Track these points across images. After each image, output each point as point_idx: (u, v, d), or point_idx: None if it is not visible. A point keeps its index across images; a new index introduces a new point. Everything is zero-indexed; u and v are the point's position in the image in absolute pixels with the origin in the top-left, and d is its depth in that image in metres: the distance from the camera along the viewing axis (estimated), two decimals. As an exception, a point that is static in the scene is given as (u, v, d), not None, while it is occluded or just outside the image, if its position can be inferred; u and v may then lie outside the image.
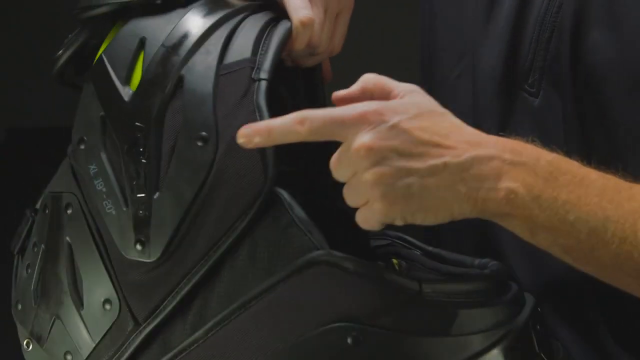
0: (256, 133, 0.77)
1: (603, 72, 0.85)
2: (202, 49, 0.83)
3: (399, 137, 0.74)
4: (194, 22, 0.84)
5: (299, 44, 0.87)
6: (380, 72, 0.80)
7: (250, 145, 0.77)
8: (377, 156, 0.74)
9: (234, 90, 0.81)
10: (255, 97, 0.81)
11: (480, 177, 0.75)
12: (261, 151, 0.79)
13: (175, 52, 0.82)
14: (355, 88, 0.80)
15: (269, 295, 0.78)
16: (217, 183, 0.79)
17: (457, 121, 0.78)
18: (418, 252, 0.92)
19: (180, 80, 0.82)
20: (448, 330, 0.77)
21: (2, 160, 3.62)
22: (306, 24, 0.86)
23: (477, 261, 0.87)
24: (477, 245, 0.84)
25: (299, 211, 0.79)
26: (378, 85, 0.79)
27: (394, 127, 0.74)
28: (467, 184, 0.74)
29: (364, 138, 0.74)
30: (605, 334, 0.89)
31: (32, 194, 0.95)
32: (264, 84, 0.81)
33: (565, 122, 0.88)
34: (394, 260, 0.93)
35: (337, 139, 0.76)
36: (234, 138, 0.78)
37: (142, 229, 0.81)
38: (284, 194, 0.79)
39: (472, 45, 0.95)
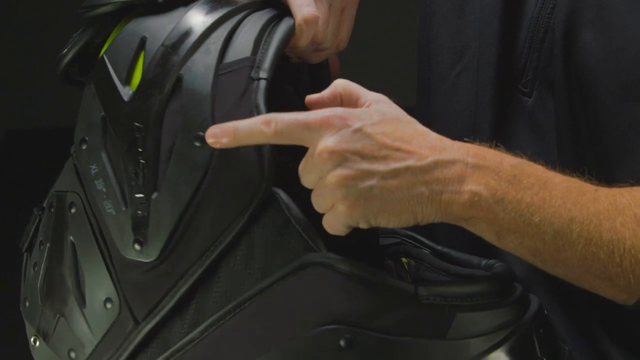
0: (224, 133, 0.77)
1: (593, 74, 0.85)
2: (202, 48, 0.82)
3: (362, 140, 0.75)
4: (195, 21, 0.84)
5: (303, 41, 0.86)
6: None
7: (218, 146, 0.78)
8: (339, 159, 0.75)
9: (233, 89, 0.81)
10: (254, 96, 0.80)
11: (443, 180, 0.75)
12: (258, 151, 0.78)
13: (175, 51, 0.82)
14: (326, 93, 0.81)
15: (264, 296, 0.78)
16: (214, 184, 0.79)
17: (422, 128, 0.78)
18: (427, 251, 0.91)
19: (179, 80, 0.81)
20: (444, 333, 0.76)
21: (1, 162, 3.60)
22: (310, 22, 0.85)
23: (483, 262, 0.86)
24: (472, 243, 0.83)
25: (296, 211, 0.78)
26: (347, 90, 0.80)
27: (357, 131, 0.75)
28: (429, 186, 0.75)
29: (327, 142, 0.75)
30: (600, 331, 0.88)
31: (31, 195, 0.96)
32: (263, 83, 0.81)
33: (557, 122, 0.88)
34: (403, 259, 0.92)
35: (302, 143, 0.76)
36: None
37: (140, 229, 0.81)
38: (281, 194, 0.79)
39: (471, 43, 0.94)
